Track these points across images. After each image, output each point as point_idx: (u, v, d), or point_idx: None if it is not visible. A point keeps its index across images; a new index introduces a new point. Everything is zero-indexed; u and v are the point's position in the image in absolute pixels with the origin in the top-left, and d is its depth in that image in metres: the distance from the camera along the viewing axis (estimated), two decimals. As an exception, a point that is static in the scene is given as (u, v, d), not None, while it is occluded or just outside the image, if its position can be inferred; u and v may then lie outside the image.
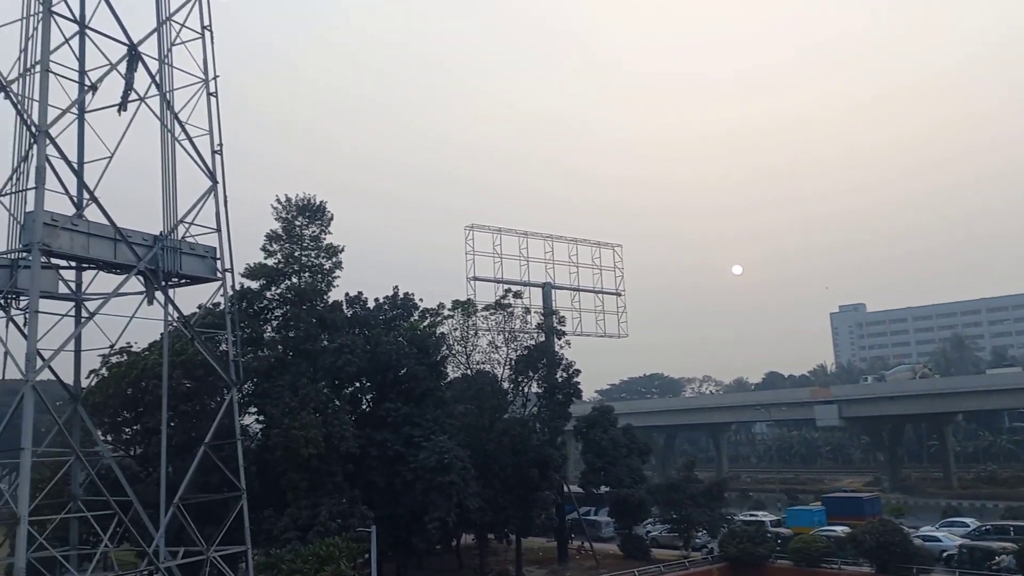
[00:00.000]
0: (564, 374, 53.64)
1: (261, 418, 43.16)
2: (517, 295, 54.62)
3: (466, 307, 52.55)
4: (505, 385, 52.81)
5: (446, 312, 52.28)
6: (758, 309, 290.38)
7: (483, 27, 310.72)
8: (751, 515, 64.44)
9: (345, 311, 47.22)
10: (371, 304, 49.90)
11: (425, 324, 51.25)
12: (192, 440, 36.13)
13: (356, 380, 46.49)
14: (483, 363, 52.73)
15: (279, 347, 44.39)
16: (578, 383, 53.93)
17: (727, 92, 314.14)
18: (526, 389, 53.77)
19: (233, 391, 28.74)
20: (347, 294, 48.70)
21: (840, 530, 52.24)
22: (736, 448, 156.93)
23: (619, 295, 65.52)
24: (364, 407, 48.00)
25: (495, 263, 57.63)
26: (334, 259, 45.03)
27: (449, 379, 51.28)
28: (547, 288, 60.71)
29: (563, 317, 57.32)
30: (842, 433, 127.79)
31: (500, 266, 57.73)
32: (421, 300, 51.91)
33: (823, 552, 49.13)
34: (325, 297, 45.20)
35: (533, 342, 54.16)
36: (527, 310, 55.07)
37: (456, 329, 52.42)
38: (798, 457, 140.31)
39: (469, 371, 52.22)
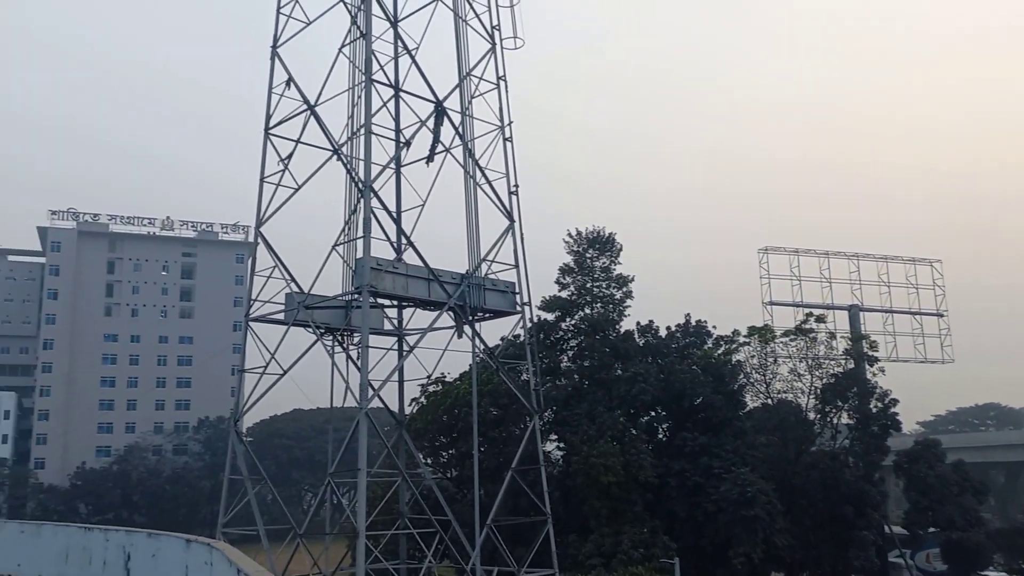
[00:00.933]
0: (878, 404, 49.25)
1: (562, 445, 44.59)
2: (820, 319, 51.36)
3: (763, 333, 50.36)
4: (810, 416, 49.62)
5: (742, 339, 50.53)
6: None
7: (762, 37, 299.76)
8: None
9: (637, 340, 47.50)
10: (663, 332, 49.70)
11: (719, 352, 49.91)
12: (501, 465, 38.19)
13: (651, 409, 46.42)
14: (784, 392, 50.11)
15: (575, 376, 45.71)
16: (895, 413, 49.24)
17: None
18: (835, 420, 50.10)
19: (535, 419, 29.97)
20: (638, 323, 49.01)
21: None
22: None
23: (940, 316, 59.04)
24: (660, 436, 47.70)
25: (793, 286, 54.93)
26: (624, 289, 45.62)
27: (748, 408, 49.35)
28: (854, 311, 56.44)
29: (875, 342, 52.81)
30: None
31: (799, 289, 54.84)
32: (714, 327, 50.78)
33: None
34: (617, 326, 45.85)
35: (841, 369, 50.43)
36: (832, 335, 51.55)
37: (753, 356, 50.42)
38: None
39: (769, 400, 49.84)
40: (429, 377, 34.49)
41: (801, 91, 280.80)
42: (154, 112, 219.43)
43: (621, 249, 45.50)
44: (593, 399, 42.91)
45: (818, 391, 49.45)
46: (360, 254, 25.94)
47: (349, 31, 28.63)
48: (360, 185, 26.61)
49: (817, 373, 49.77)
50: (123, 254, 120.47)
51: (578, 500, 40.91)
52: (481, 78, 29.93)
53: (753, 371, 50.26)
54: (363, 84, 27.85)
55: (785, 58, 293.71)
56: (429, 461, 45.04)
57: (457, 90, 29.32)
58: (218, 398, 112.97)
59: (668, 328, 50.26)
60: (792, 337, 50.18)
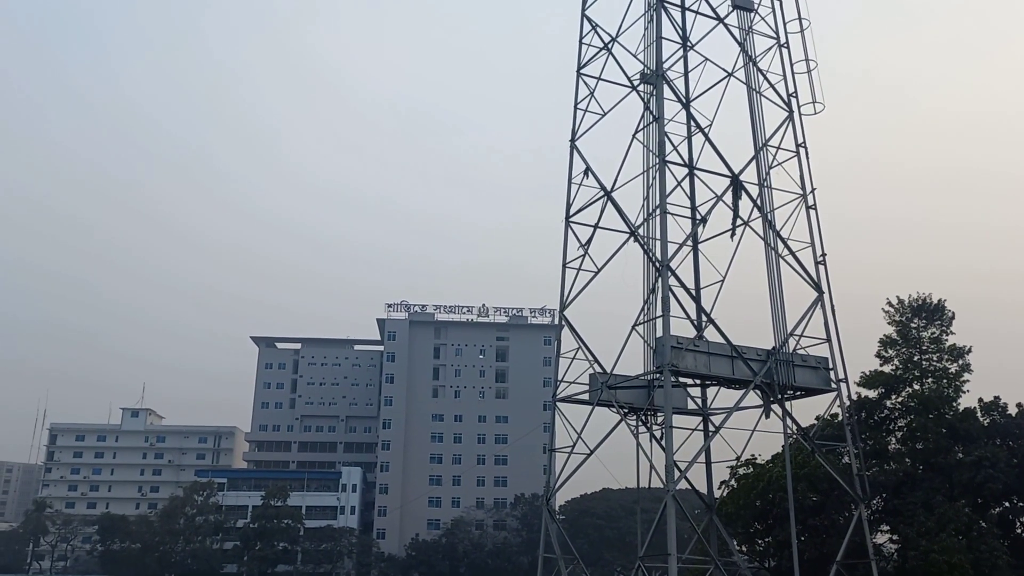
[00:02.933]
0: None
1: (895, 537, 39.97)
2: None
3: None
4: None
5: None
6: None
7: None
8: None
9: (980, 419, 41.63)
10: (1012, 410, 43.08)
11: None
12: (823, 556, 35.13)
13: (1003, 499, 40.08)
14: None
15: (906, 460, 41.05)
16: None
17: None
18: None
19: (861, 508, 27.34)
20: (980, 399, 42.97)
21: None
22: None
23: None
24: (1019, 530, 40.88)
25: None
26: (960, 361, 40.56)
27: None
28: None
29: None
30: None
31: None
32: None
33: None
34: (954, 404, 40.65)
35: None
36: None
37: None
38: None
39: None
40: (738, 459, 32.98)
41: None
42: (481, 206, 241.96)
43: (953, 317, 40.75)
44: (929, 486, 38.11)
45: None
46: (660, 333, 25.96)
47: (642, 117, 29.48)
48: (658, 264, 26.82)
49: None
50: (447, 340, 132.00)
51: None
52: (779, 147, 29.11)
53: None
54: (657, 166, 28.36)
55: None
56: (743, 548, 42.67)
57: (754, 162, 28.73)
58: (532, 475, 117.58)
59: (1019, 405, 43.49)
60: None
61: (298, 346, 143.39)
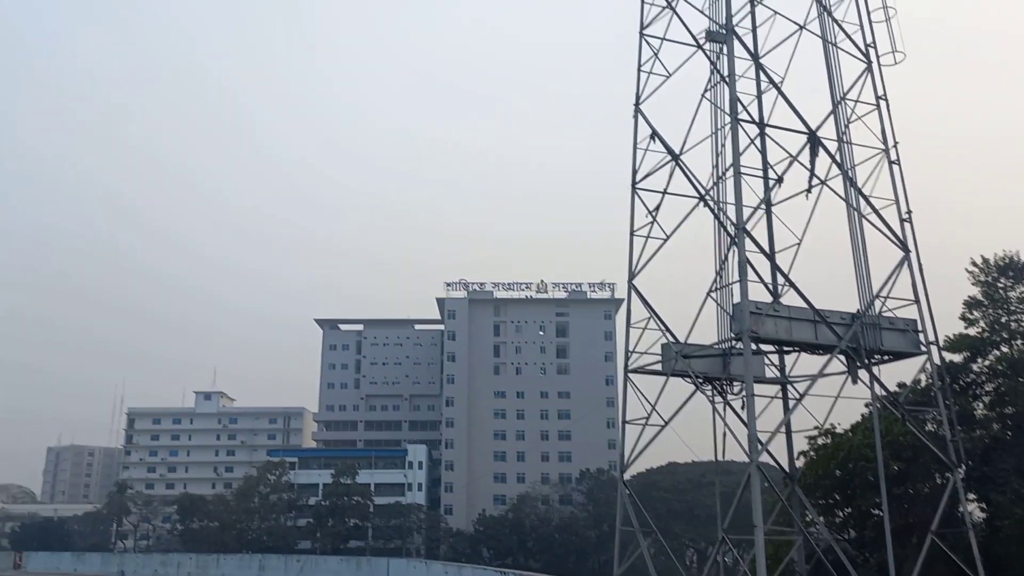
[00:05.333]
0: None
1: (983, 506, 38.40)
2: None
3: None
4: None
5: None
6: None
7: None
8: None
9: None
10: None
11: None
12: (909, 526, 33.89)
13: (1104, 465, 38.12)
14: None
15: (994, 425, 39.29)
16: None
17: None
18: None
19: (956, 475, 26.16)
20: (1073, 361, 40.90)
21: None
22: None
23: None
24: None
25: None
26: (1052, 321, 38.51)
27: None
28: None
29: None
30: None
31: None
32: None
33: None
34: (1047, 365, 38.68)
35: None
36: None
37: None
38: None
39: None
40: (820, 427, 31.90)
41: None
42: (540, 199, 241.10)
43: (1044, 275, 38.66)
44: (1021, 452, 36.43)
45: None
46: (737, 299, 25.04)
47: (710, 76, 28.36)
48: (730, 228, 25.84)
49: None
50: (506, 317, 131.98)
51: (1010, 571, 34.66)
52: (857, 100, 27.69)
53: None
54: (727, 126, 27.28)
55: None
56: (822, 520, 41.55)
57: (831, 118, 27.40)
58: (596, 450, 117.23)
59: (1116, 366, 41.27)
60: None
61: (360, 327, 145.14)
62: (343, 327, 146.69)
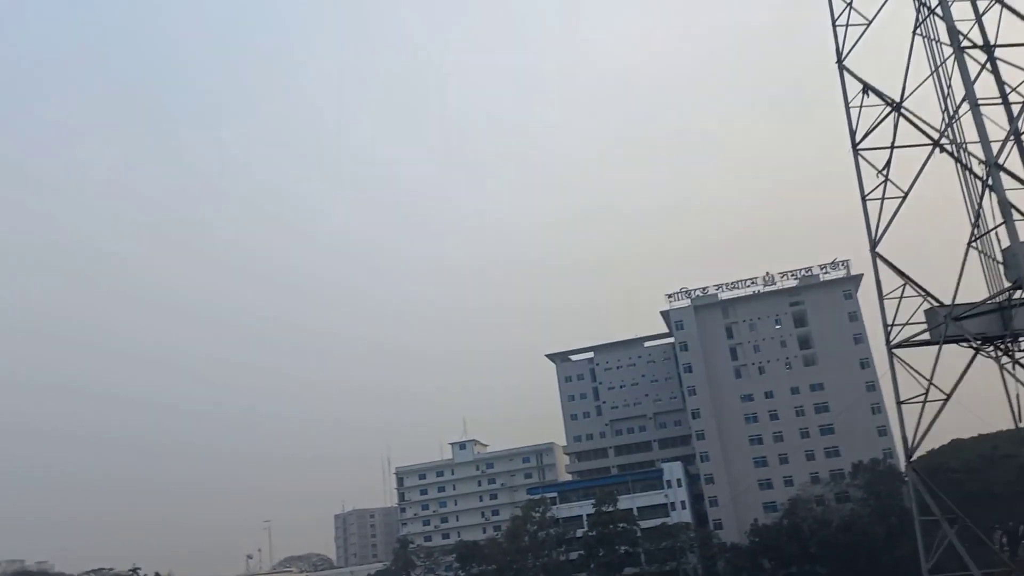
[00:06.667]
0: None
1: None
2: None
3: None
4: None
5: None
6: None
7: None
8: None
9: None
10: None
11: None
12: None
13: None
14: None
15: None
16: None
17: None
18: None
19: None
20: None
21: None
22: None
23: None
24: None
25: None
26: None
27: None
28: None
29: None
30: None
31: None
32: None
33: None
34: None
35: None
36: None
37: None
38: None
39: None
40: None
41: None
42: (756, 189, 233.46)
43: None
44: None
45: None
46: (1006, 243, 22.17)
47: (918, 11, 25.75)
48: (982, 168, 23.03)
49: None
50: (736, 318, 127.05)
51: None
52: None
53: None
54: (950, 58, 24.56)
55: None
56: None
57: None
58: (865, 440, 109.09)
59: None
60: None
61: (591, 355, 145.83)
62: (573, 357, 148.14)
